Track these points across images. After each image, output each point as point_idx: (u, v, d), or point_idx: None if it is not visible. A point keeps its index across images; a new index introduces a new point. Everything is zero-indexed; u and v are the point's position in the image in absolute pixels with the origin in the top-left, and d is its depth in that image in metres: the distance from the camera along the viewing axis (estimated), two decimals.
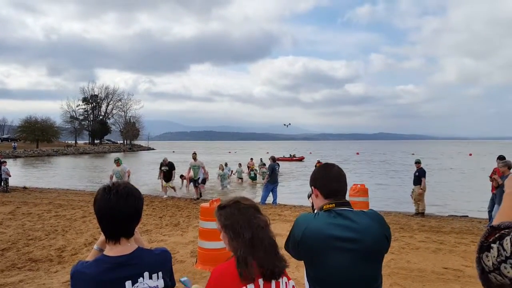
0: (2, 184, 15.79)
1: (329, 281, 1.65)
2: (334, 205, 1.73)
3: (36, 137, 63.70)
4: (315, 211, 1.87)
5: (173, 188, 14.72)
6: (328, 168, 1.86)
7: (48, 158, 49.39)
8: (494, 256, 0.85)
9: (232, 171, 20.28)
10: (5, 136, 73.56)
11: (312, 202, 1.94)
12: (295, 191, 17.65)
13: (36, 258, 6.32)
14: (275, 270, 1.45)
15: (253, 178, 19.71)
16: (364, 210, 1.79)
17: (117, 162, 12.54)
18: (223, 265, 1.48)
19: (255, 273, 1.41)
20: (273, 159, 13.05)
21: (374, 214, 1.75)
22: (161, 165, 14.58)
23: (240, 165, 20.96)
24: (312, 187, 1.86)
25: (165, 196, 13.79)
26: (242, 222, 1.48)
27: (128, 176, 12.22)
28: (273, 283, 1.45)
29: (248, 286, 1.39)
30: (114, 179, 11.31)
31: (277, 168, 12.93)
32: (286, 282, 1.53)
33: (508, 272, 0.82)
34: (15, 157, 48.56)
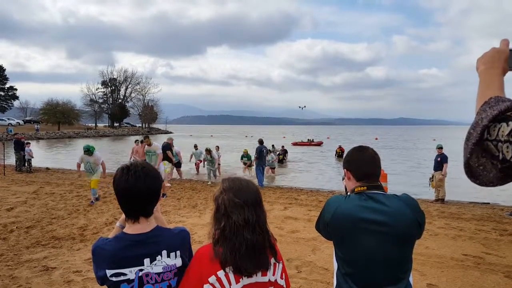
0: (26, 164, 16.30)
1: (358, 262, 1.65)
2: (366, 188, 1.72)
3: (58, 120, 65.24)
4: (348, 193, 1.85)
5: (168, 173, 12.77)
6: (361, 150, 1.83)
7: (69, 140, 50.66)
8: (503, 131, 0.81)
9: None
10: (28, 118, 75.47)
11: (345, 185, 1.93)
12: (312, 176, 17.62)
13: (59, 236, 6.53)
14: (240, 269, 1.39)
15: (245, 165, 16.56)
16: (397, 194, 1.76)
17: (86, 151, 9.32)
18: (205, 247, 1.47)
19: (226, 264, 1.39)
20: (261, 142, 13.66)
21: (407, 199, 1.72)
22: (167, 148, 12.73)
23: (217, 148, 17.64)
24: (345, 170, 1.84)
25: (167, 185, 12.35)
26: (225, 210, 1.44)
27: (104, 169, 9.52)
28: (244, 277, 1.41)
29: (218, 273, 1.38)
30: (82, 168, 9.58)
31: (264, 151, 13.40)
32: (271, 280, 1.48)
33: (507, 152, 0.78)
34: (38, 139, 49.96)
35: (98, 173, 9.52)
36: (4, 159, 16.49)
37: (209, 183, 13.49)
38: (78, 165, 9.74)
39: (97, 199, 9.61)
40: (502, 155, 0.80)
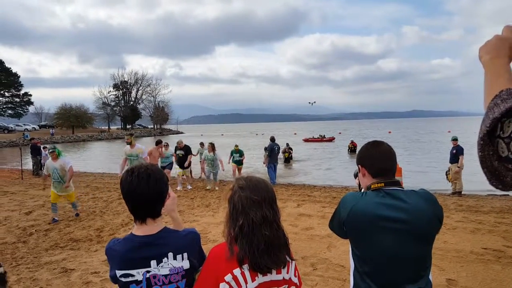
0: (42, 169, 16.61)
1: (377, 261, 1.61)
2: (383, 184, 1.67)
3: (72, 124, 66.30)
4: (362, 190, 1.80)
5: (188, 176, 12.18)
6: (377, 145, 1.77)
7: (84, 144, 51.44)
8: None
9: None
10: (43, 123, 76.87)
11: (359, 182, 1.87)
12: (326, 172, 17.53)
13: (76, 238, 6.62)
14: (259, 266, 1.39)
15: (238, 163, 13.66)
16: (415, 189, 1.70)
17: (53, 153, 7.73)
18: (220, 245, 1.47)
19: (243, 261, 1.39)
20: (272, 139, 13.49)
21: (426, 194, 1.66)
22: (175, 148, 12.15)
23: (202, 144, 14.88)
24: (359, 166, 1.79)
25: (178, 188, 11.69)
26: (242, 208, 1.44)
27: (70, 177, 7.76)
28: (259, 273, 1.40)
29: (234, 271, 1.38)
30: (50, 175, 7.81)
31: (276, 148, 13.25)
32: (286, 278, 1.47)
33: None
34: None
35: (70, 184, 7.88)
36: (21, 163, 16.82)
37: (208, 187, 11.75)
38: (45, 176, 8.13)
39: (77, 214, 8.24)
40: None
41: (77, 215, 8.22)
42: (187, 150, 12.09)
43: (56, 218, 7.81)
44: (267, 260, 1.39)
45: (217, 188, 11.60)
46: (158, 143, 11.18)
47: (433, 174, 14.91)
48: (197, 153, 14.58)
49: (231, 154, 13.77)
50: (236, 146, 13.97)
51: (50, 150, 7.86)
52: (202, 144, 14.88)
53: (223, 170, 12.25)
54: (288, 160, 20.95)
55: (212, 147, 11.79)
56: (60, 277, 4.79)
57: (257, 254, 1.38)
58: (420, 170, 16.60)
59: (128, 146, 8.17)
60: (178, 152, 12.02)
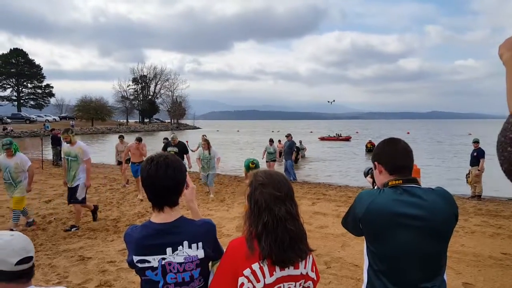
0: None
1: (393, 258, 1.60)
2: (401, 181, 1.66)
3: (91, 116, 67.58)
4: (375, 187, 1.78)
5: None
6: (394, 143, 1.77)
7: (103, 136, 52.36)
8: None
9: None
10: (63, 114, 78.61)
11: (373, 180, 1.86)
12: (341, 171, 17.38)
13: (94, 227, 6.77)
14: (284, 260, 1.40)
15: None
16: (433, 187, 1.69)
17: (9, 149, 6.21)
18: (238, 239, 1.47)
19: (261, 256, 1.39)
20: (290, 137, 13.97)
21: (443, 192, 1.66)
22: (166, 145, 10.50)
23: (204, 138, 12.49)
24: (376, 163, 1.78)
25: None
26: (266, 205, 1.43)
27: (31, 179, 6.54)
28: (277, 268, 1.41)
29: (253, 265, 1.38)
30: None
31: (293, 147, 13.76)
32: (303, 273, 1.48)
33: None
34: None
35: (22, 187, 6.37)
36: (42, 153, 17.26)
37: (212, 196, 9.71)
38: None
39: (29, 224, 6.70)
40: None
41: (28, 224, 6.70)
42: (182, 147, 10.23)
43: (14, 228, 6.13)
44: (292, 254, 1.41)
45: (212, 195, 9.72)
46: (139, 140, 10.06)
47: (452, 176, 14.60)
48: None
49: (248, 168, 10.40)
50: (253, 164, 10.05)
51: (6, 147, 6.19)
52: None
53: (218, 167, 10.58)
54: (295, 161, 20.16)
55: (207, 144, 10.08)
56: (77, 265, 4.90)
57: (283, 249, 1.39)
58: (439, 172, 16.28)
59: (68, 144, 6.64)
60: (169, 149, 10.00)
